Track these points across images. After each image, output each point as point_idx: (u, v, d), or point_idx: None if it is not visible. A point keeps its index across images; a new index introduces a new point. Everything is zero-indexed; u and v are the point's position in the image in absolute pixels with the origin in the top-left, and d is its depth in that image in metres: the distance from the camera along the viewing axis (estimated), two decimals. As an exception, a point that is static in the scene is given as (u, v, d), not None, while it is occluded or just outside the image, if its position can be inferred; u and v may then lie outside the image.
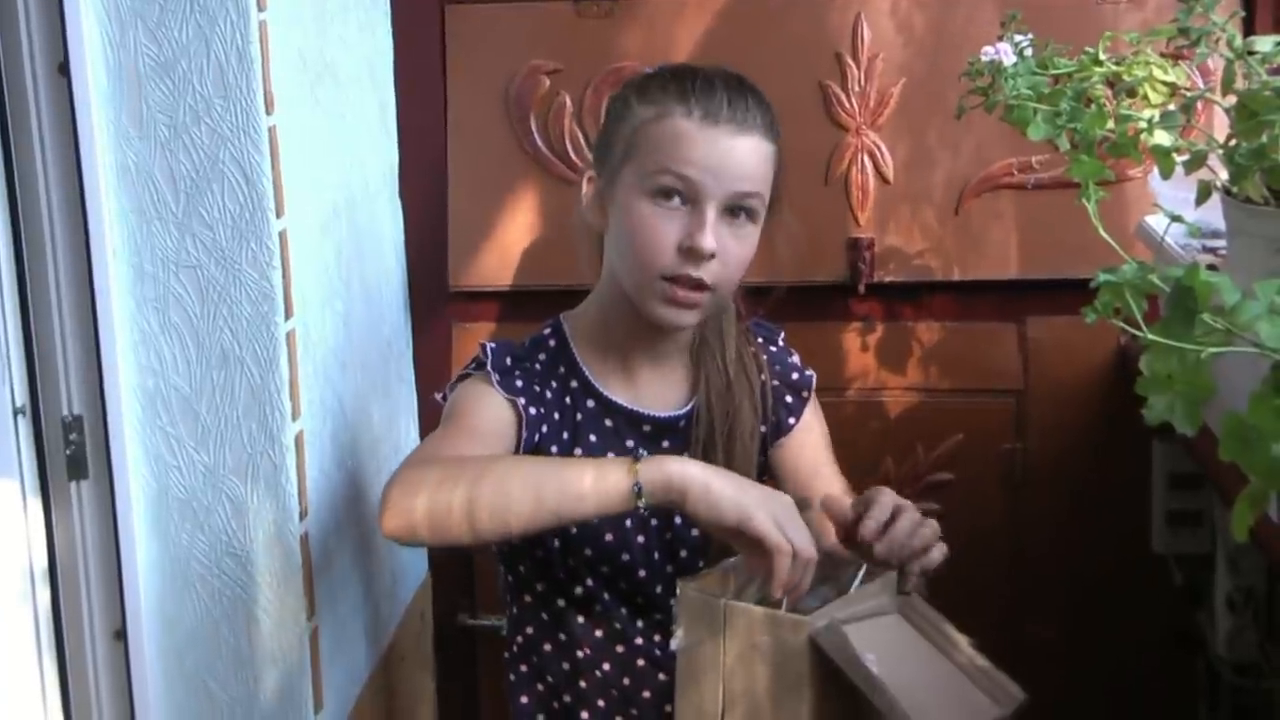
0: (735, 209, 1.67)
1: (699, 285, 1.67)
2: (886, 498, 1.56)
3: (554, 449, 1.74)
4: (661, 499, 1.50)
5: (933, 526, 1.56)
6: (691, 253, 1.64)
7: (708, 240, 1.64)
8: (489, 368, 1.72)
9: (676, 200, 1.65)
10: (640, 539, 1.76)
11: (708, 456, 1.76)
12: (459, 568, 2.56)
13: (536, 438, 1.72)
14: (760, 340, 1.89)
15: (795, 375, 1.89)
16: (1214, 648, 2.13)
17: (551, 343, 1.81)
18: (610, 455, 1.76)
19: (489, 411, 1.70)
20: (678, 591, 1.51)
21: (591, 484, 1.51)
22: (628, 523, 1.75)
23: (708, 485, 1.48)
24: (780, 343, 1.92)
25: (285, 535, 1.84)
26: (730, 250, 1.67)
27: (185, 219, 1.75)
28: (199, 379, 1.79)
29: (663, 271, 1.66)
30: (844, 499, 1.63)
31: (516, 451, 1.71)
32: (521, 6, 2.43)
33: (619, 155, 1.70)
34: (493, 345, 1.76)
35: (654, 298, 1.69)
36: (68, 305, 1.75)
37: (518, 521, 1.52)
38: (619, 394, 1.79)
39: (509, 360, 1.75)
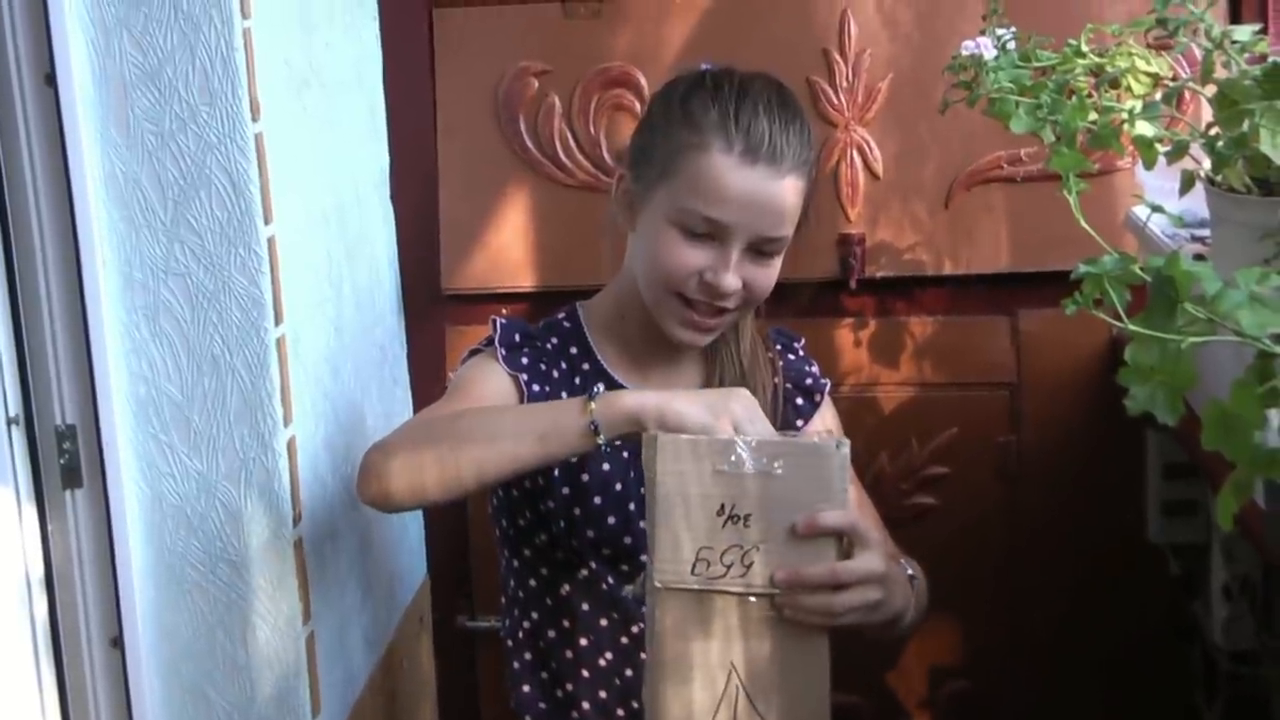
0: (761, 248, 1.69)
1: (719, 311, 1.71)
2: (869, 562, 1.51)
3: None
4: (621, 431, 1.53)
5: (865, 606, 1.52)
6: (712, 288, 1.67)
7: (730, 281, 1.67)
8: (496, 343, 1.77)
9: (704, 235, 1.67)
10: (642, 524, 1.77)
11: None
12: (457, 570, 2.57)
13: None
14: (779, 347, 1.90)
15: (809, 381, 1.90)
16: (1211, 637, 2.12)
17: (567, 324, 1.85)
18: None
19: (489, 386, 1.75)
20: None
21: (550, 425, 1.55)
22: (631, 505, 1.76)
23: (662, 410, 1.50)
24: (800, 351, 1.94)
25: (279, 541, 1.84)
26: (754, 280, 1.70)
27: (173, 227, 1.75)
28: (190, 386, 1.79)
29: (682, 293, 1.69)
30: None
31: None
32: (509, 9, 2.43)
33: (655, 172, 1.71)
34: (503, 321, 1.80)
35: (671, 318, 1.73)
36: (59, 314, 1.75)
37: (487, 470, 1.57)
38: (630, 382, 1.81)
39: (517, 337, 1.79)
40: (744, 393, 1.55)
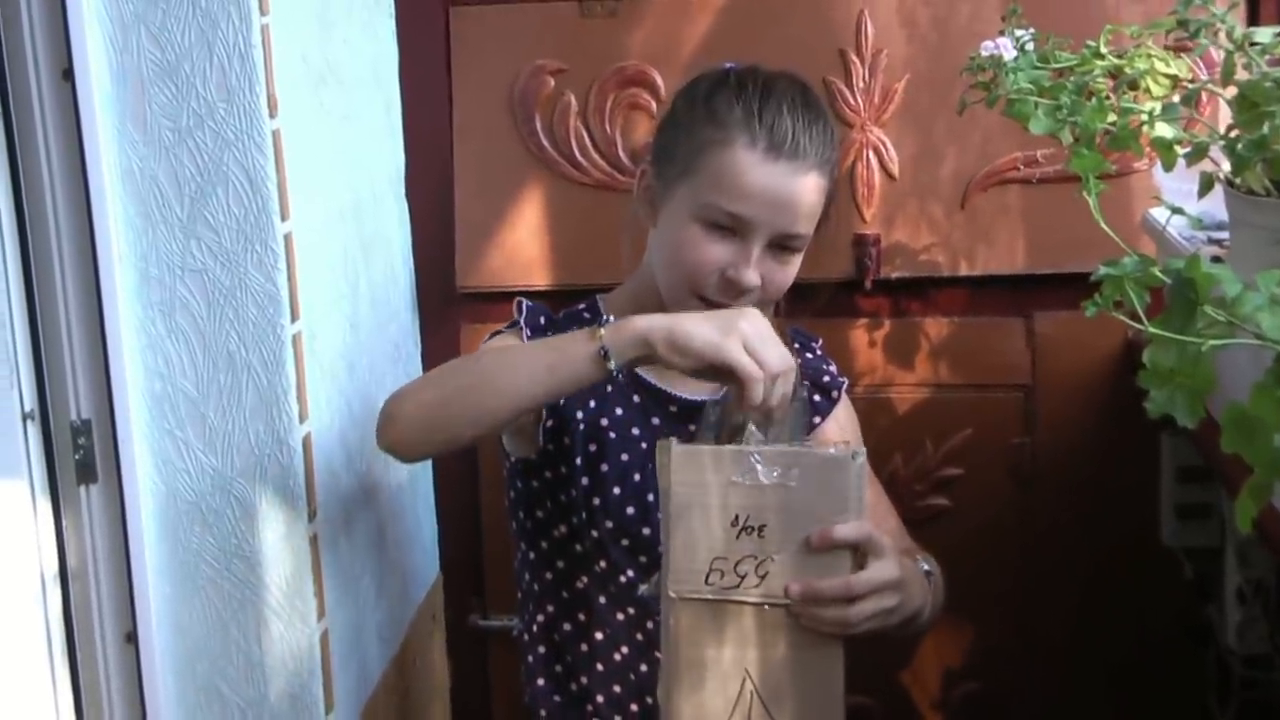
0: (782, 245, 1.69)
1: None
2: (883, 571, 1.52)
3: (579, 414, 1.78)
4: (632, 355, 1.53)
5: (880, 614, 1.53)
6: (733, 284, 1.68)
7: (750, 277, 1.67)
8: (522, 323, 1.78)
9: (726, 232, 1.67)
10: (661, 514, 1.77)
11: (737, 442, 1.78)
12: (470, 569, 2.57)
13: (561, 400, 1.74)
14: (797, 345, 1.90)
15: (826, 379, 1.90)
16: (1224, 640, 2.12)
17: (587, 315, 1.85)
18: (635, 430, 1.80)
19: None
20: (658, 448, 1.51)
21: (559, 356, 1.56)
22: (650, 496, 1.76)
23: (671, 329, 1.51)
24: (817, 350, 1.94)
25: (294, 537, 1.84)
26: (772, 277, 1.70)
27: (190, 223, 1.76)
28: (206, 382, 1.79)
29: (702, 293, 1.69)
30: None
31: (542, 412, 1.75)
32: (526, 7, 2.43)
33: (678, 168, 1.72)
34: (529, 304, 1.81)
35: None
36: (75, 310, 1.76)
37: (500, 403, 1.58)
38: (648, 373, 1.81)
39: (542, 320, 1.80)
40: (754, 312, 1.54)
